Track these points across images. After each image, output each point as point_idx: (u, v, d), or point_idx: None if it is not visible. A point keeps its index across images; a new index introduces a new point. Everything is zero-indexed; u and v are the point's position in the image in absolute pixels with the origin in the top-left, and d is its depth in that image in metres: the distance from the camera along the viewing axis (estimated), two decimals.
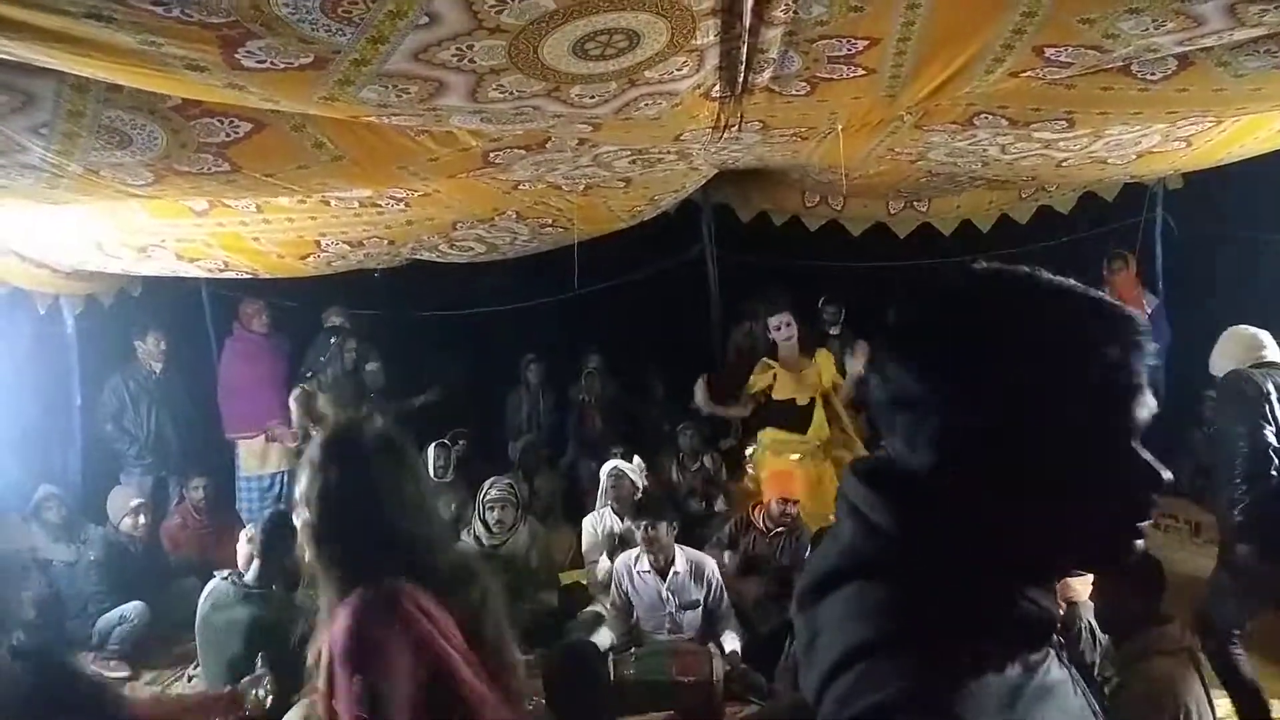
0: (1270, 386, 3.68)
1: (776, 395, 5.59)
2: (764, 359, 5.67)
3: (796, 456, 5.39)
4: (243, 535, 4.08)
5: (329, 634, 1.70)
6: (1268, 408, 3.63)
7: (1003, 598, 0.88)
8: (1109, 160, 4.74)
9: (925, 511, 0.89)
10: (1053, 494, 0.87)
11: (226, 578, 4.01)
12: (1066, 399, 0.86)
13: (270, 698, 2.82)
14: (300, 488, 1.78)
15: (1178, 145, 4.41)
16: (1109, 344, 0.87)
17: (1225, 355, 3.93)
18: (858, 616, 0.88)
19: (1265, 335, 3.94)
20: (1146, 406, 0.88)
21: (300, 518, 1.77)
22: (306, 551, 1.77)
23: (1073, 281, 0.93)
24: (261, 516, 6.01)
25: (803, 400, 5.56)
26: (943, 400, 0.89)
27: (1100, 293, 0.92)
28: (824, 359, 5.63)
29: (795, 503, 4.91)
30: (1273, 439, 3.61)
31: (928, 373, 0.90)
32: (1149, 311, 6.35)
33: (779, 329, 5.55)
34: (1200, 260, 6.47)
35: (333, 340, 6.29)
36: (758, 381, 5.65)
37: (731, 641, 4.39)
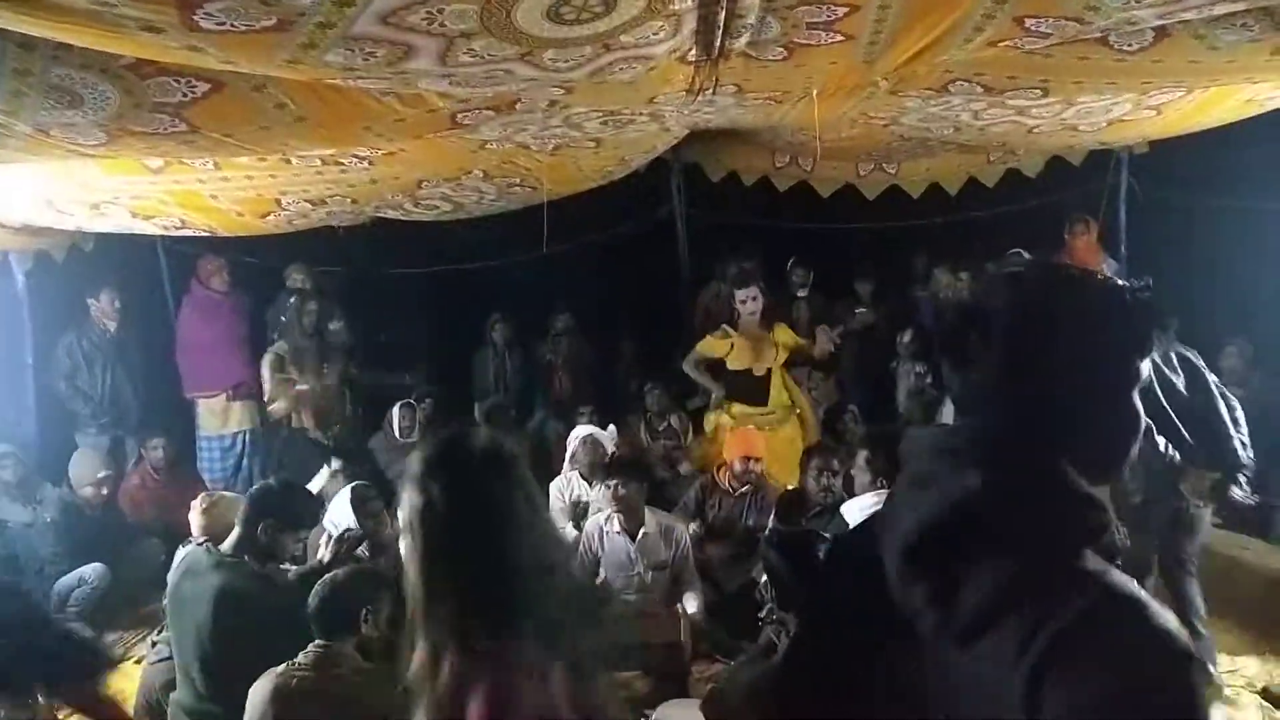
0: None
1: (732, 365, 5.62)
2: (723, 326, 5.70)
3: (754, 427, 5.41)
4: (194, 504, 3.97)
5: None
6: None
7: (1080, 496, 1.05)
8: (1080, 127, 4.75)
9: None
10: (1092, 416, 1.10)
11: (202, 544, 3.92)
12: (1097, 356, 1.09)
13: None
14: (403, 511, 1.52)
15: (1148, 113, 4.42)
16: (1128, 320, 1.10)
17: None
18: (1007, 554, 0.99)
19: None
20: (1144, 368, 1.12)
21: (404, 546, 1.51)
22: (413, 590, 1.48)
23: (1100, 273, 1.19)
24: (224, 481, 6.03)
25: (759, 371, 5.61)
26: (1020, 358, 1.10)
27: (1124, 282, 1.13)
28: (781, 330, 5.70)
29: (759, 460, 4.93)
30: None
31: (1000, 340, 1.11)
32: (1108, 274, 6.39)
33: (744, 302, 5.60)
34: (1162, 225, 6.53)
35: (290, 301, 6.15)
36: (712, 348, 5.67)
37: (692, 603, 4.43)
